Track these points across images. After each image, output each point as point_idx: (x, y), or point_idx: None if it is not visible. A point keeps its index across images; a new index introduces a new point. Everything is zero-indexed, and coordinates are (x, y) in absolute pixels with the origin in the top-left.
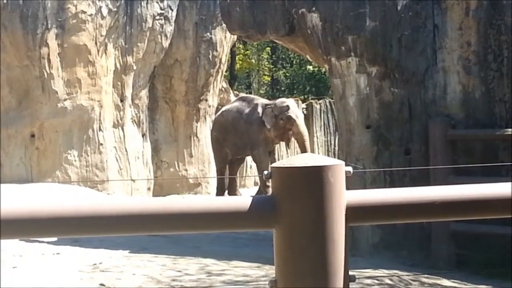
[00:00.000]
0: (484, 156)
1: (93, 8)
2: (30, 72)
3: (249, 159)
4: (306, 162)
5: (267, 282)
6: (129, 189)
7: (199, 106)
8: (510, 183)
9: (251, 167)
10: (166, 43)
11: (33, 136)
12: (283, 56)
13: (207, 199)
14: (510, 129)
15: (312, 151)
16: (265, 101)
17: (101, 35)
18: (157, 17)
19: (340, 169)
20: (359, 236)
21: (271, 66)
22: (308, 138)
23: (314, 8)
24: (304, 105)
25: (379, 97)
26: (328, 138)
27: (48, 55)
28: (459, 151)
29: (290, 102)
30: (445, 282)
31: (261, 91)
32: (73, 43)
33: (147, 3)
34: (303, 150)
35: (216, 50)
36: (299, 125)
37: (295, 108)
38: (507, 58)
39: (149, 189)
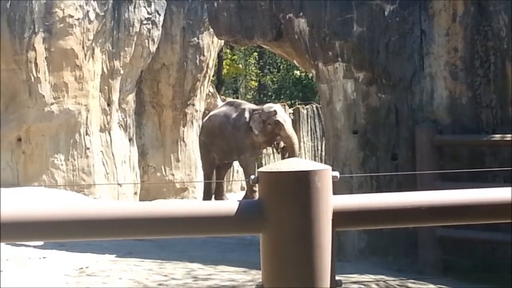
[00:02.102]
0: (471, 161)
1: (81, 13)
2: (17, 76)
3: (236, 164)
4: (293, 167)
5: (253, 287)
6: (115, 194)
7: (186, 111)
8: (496, 188)
9: (237, 171)
10: (153, 48)
11: (19, 140)
12: (270, 61)
13: (193, 204)
14: (496, 135)
15: (299, 156)
16: (252, 106)
17: (88, 40)
18: (145, 22)
19: (327, 174)
20: (346, 241)
21: (258, 71)
22: (297, 141)
23: (301, 13)
24: (291, 110)
25: (366, 103)
26: (315, 143)
27: (35, 59)
28: (445, 157)
29: (277, 107)
30: (431, 287)
31: (248, 96)
32: (60, 47)
33: (134, 8)
34: (292, 153)
35: (203, 55)
36: (287, 129)
37: (282, 113)
38: (494, 64)
39: (135, 193)
